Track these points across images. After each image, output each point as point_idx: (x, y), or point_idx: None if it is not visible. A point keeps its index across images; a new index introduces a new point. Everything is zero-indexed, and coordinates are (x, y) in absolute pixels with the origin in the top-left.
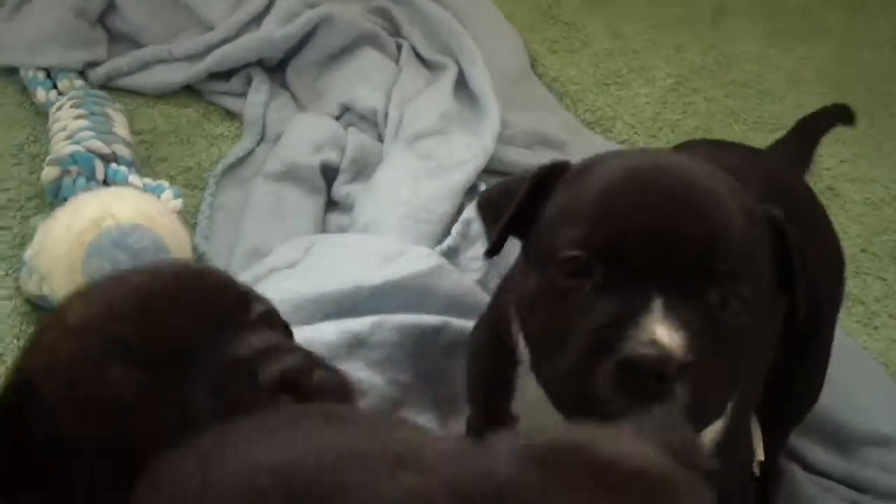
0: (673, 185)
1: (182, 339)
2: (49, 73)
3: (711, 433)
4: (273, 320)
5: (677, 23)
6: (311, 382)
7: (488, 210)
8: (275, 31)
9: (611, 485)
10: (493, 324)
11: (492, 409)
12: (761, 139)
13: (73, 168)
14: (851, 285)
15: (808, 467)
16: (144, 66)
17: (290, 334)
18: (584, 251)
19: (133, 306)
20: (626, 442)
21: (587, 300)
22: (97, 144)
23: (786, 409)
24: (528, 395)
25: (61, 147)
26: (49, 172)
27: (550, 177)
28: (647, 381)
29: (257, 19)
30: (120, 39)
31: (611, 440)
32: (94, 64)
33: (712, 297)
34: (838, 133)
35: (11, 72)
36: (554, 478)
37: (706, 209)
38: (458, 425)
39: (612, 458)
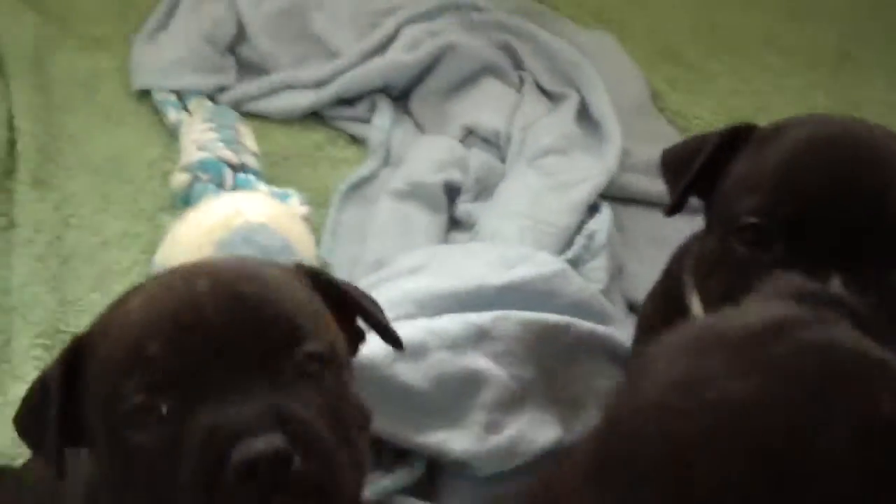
0: (859, 164)
1: (198, 374)
2: (180, 96)
3: None
4: (324, 361)
5: (802, 67)
6: (287, 476)
7: (671, 167)
8: (400, 59)
9: None
10: (666, 288)
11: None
12: None
13: (203, 175)
14: None
15: None
16: (272, 91)
17: (340, 373)
18: (766, 220)
19: (168, 323)
20: None
21: (764, 271)
22: (226, 153)
23: None
24: None
25: (192, 155)
26: (179, 178)
27: (738, 138)
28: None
29: (383, 48)
30: (248, 66)
31: None
32: (222, 89)
33: (892, 276)
34: None
35: (145, 94)
36: None
37: (890, 186)
38: (579, 430)
39: None
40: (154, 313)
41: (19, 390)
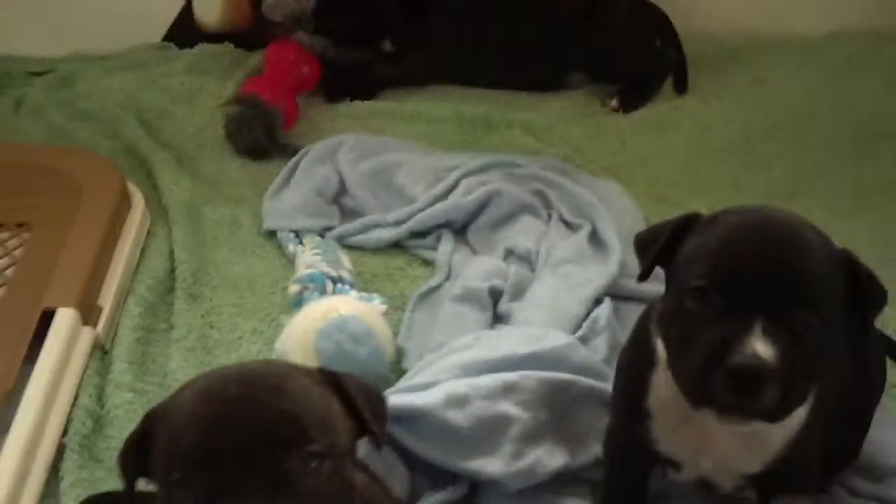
0: (772, 238)
1: (219, 464)
2: (297, 234)
3: (790, 427)
4: (324, 456)
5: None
6: None
7: (641, 245)
8: (459, 202)
9: None
10: (638, 336)
11: (631, 405)
12: None
13: (311, 285)
14: None
15: (850, 491)
16: (365, 229)
17: (341, 462)
18: (708, 283)
19: (202, 421)
20: None
21: (708, 320)
22: (327, 269)
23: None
24: (660, 392)
25: (302, 272)
26: (293, 289)
27: (687, 226)
28: (749, 382)
29: (446, 194)
30: (347, 211)
31: None
32: (329, 228)
33: (798, 318)
34: None
35: (272, 234)
36: None
37: (796, 255)
38: (584, 458)
39: None
40: (194, 409)
41: None
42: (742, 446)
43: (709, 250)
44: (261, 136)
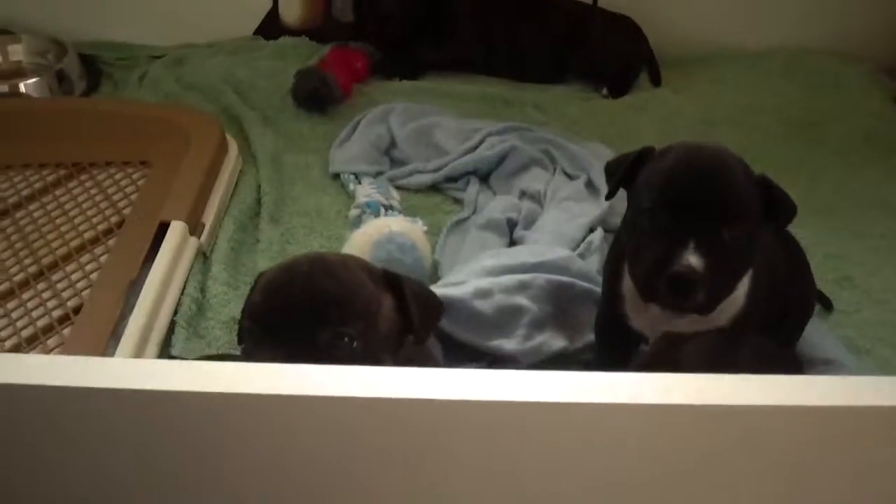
0: (704, 167)
1: (272, 324)
2: (357, 176)
3: (735, 305)
4: (354, 337)
5: None
6: None
7: (609, 172)
8: (484, 154)
9: None
10: (615, 241)
11: (611, 290)
12: None
13: (367, 209)
14: None
15: None
16: (410, 174)
17: (371, 345)
18: (656, 205)
19: (268, 291)
20: None
21: (655, 235)
22: (381, 198)
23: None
24: (628, 281)
25: (361, 199)
26: (354, 212)
27: (643, 157)
28: (683, 286)
29: (474, 149)
30: (396, 160)
31: None
32: (381, 172)
33: (724, 233)
34: None
35: (336, 176)
36: None
37: (722, 180)
38: (579, 343)
39: None
40: (270, 277)
41: None
42: (692, 324)
43: (657, 178)
44: (319, 87)
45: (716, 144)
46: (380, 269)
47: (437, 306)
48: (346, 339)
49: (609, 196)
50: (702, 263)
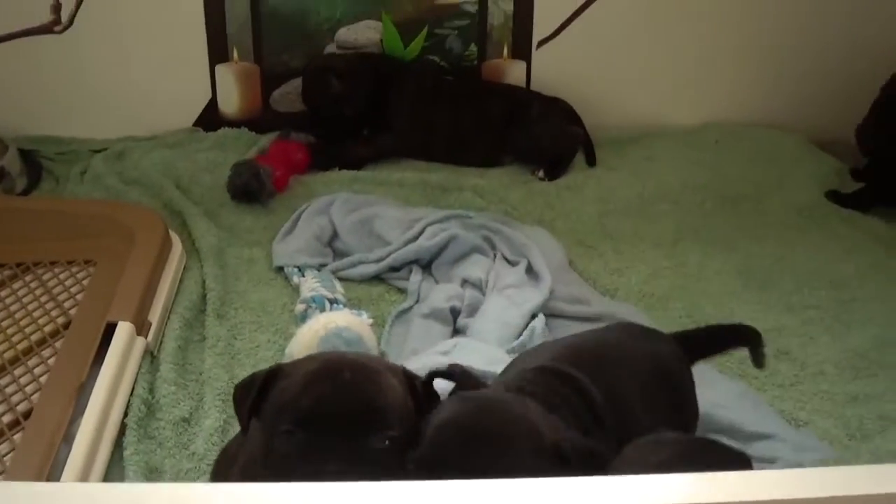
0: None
1: (321, 431)
2: (300, 269)
3: None
4: (396, 440)
5: (651, 245)
6: None
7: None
8: (425, 244)
9: None
10: None
11: None
12: None
13: (313, 304)
14: None
15: None
16: (353, 265)
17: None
18: (291, 425)
19: (317, 392)
20: None
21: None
22: (325, 292)
23: None
24: None
25: (306, 294)
26: (299, 307)
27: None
28: None
29: (415, 238)
30: (339, 252)
31: None
32: (324, 264)
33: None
34: None
35: (280, 269)
36: None
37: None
38: None
39: None
40: (314, 381)
41: (208, 422)
42: None
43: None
44: (250, 181)
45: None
46: (398, 367)
47: (438, 398)
48: (390, 443)
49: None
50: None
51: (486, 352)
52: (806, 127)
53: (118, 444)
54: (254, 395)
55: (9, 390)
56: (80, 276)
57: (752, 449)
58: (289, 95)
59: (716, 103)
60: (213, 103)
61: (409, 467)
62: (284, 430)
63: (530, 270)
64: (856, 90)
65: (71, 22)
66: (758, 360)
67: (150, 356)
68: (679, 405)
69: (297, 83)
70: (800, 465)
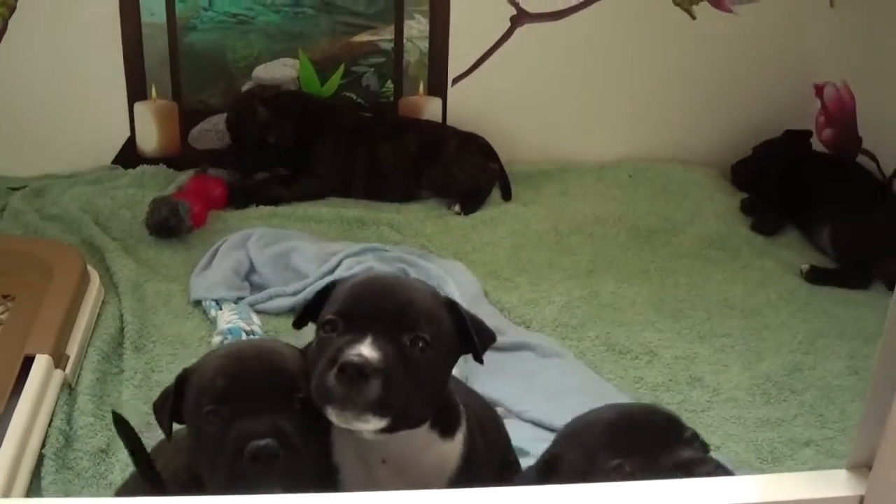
0: (381, 284)
1: (238, 400)
2: (217, 302)
3: (444, 473)
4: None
5: (566, 276)
6: (274, 462)
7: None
8: (342, 276)
9: None
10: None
11: None
12: None
13: (230, 336)
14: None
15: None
16: (270, 298)
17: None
18: (335, 316)
19: (228, 370)
20: None
21: (333, 339)
22: (243, 324)
23: None
24: None
25: (223, 326)
26: (216, 338)
27: (332, 286)
28: (353, 375)
29: (332, 271)
30: (256, 285)
31: None
32: (241, 298)
33: (404, 338)
34: None
35: (198, 303)
36: None
37: (400, 294)
38: None
39: None
40: (222, 364)
41: (125, 453)
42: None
43: (339, 298)
44: (169, 217)
45: (400, 272)
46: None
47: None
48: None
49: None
50: (377, 355)
51: None
52: (715, 161)
53: (36, 475)
54: (171, 400)
55: None
56: None
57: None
58: (207, 133)
59: (629, 139)
60: (131, 141)
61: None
62: (206, 411)
63: None
64: (763, 128)
65: None
66: None
67: (69, 388)
68: None
69: (215, 120)
70: None
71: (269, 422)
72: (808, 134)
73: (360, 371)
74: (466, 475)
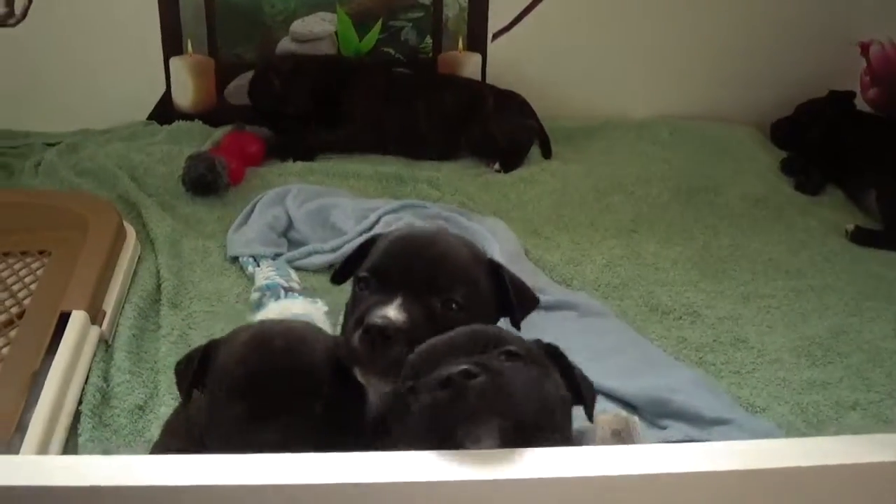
0: (418, 243)
1: (255, 395)
2: (255, 259)
3: None
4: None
5: (608, 235)
6: None
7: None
8: (380, 233)
9: None
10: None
11: None
12: None
13: (268, 292)
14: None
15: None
16: (308, 254)
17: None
18: (366, 273)
19: (248, 361)
20: None
21: (364, 297)
22: (281, 280)
23: None
24: None
25: (261, 282)
26: (254, 294)
27: (373, 241)
28: (377, 336)
29: (370, 228)
30: (294, 241)
31: None
32: (279, 254)
33: (434, 300)
34: None
35: (235, 259)
36: None
37: (435, 254)
38: None
39: None
40: (246, 352)
41: (163, 410)
42: None
43: (375, 253)
44: (205, 173)
45: (440, 228)
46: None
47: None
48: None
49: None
50: (402, 317)
51: None
52: (755, 120)
53: (73, 432)
54: (194, 368)
55: None
56: (34, 266)
57: (711, 434)
58: (243, 88)
59: (669, 96)
60: (167, 96)
61: (360, 275)
62: (220, 398)
63: None
64: (805, 87)
65: (25, 15)
66: None
67: (105, 345)
68: None
69: (251, 75)
70: None
71: (280, 429)
72: (852, 95)
73: (384, 333)
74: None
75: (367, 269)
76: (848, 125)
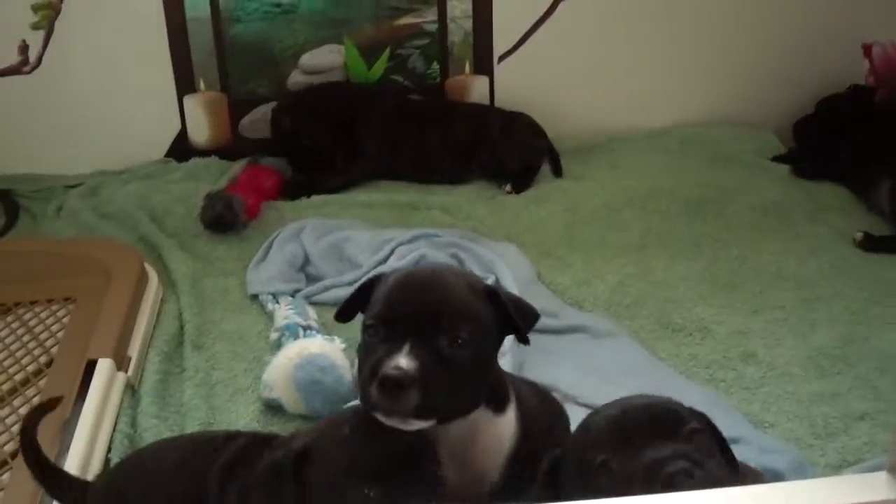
0: (418, 285)
1: (399, 327)
2: (274, 295)
3: (497, 459)
4: (464, 342)
5: (619, 254)
6: (403, 389)
7: (348, 300)
8: (395, 265)
9: None
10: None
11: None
12: None
13: (286, 332)
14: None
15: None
16: (326, 289)
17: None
18: (374, 321)
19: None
20: None
21: (374, 346)
22: (299, 320)
23: None
24: None
25: (279, 322)
26: (273, 335)
27: (373, 283)
28: (393, 388)
29: (385, 260)
30: (311, 277)
31: None
32: (297, 290)
33: (441, 340)
34: None
35: (255, 297)
36: None
37: (436, 294)
38: None
39: None
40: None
41: None
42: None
43: (378, 299)
44: (223, 212)
45: (436, 264)
46: (480, 284)
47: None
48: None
49: (339, 314)
50: (413, 365)
51: None
52: (762, 122)
53: None
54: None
55: None
56: (60, 313)
57: None
58: (257, 122)
59: (677, 105)
60: (182, 134)
61: (368, 322)
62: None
63: (498, 286)
64: (810, 88)
65: (39, 62)
66: None
67: (131, 390)
68: None
69: (264, 109)
70: (763, 466)
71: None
72: (873, 89)
73: (398, 384)
74: (525, 453)
75: (373, 316)
76: (868, 118)
